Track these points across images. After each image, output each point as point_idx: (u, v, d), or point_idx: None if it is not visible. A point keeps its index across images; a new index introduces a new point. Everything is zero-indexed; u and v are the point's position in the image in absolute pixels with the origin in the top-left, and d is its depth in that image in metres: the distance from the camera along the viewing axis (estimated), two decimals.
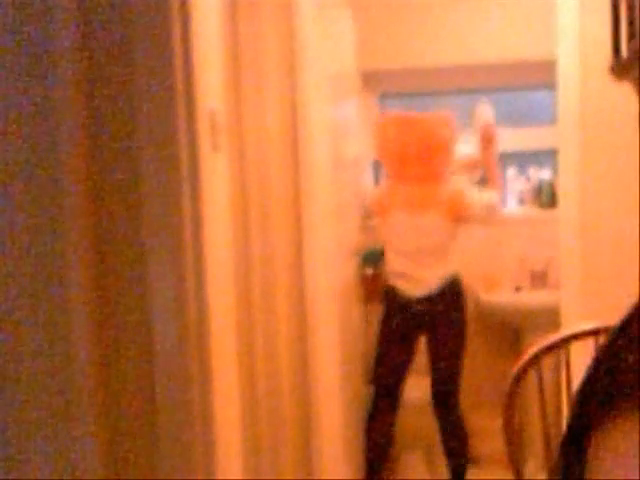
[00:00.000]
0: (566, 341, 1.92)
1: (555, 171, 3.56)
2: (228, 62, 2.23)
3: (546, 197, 4.04)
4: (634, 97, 2.82)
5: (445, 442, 3.47)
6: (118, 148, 1.70)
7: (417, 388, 3.56)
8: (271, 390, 2.51)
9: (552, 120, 3.33)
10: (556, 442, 1.96)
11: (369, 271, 3.78)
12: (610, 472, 0.44)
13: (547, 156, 4.01)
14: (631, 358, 0.44)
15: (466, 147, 3.72)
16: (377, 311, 3.55)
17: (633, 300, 0.46)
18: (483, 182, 3.72)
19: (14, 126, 1.66)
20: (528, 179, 4.13)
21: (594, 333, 1.91)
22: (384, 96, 4.42)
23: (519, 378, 1.86)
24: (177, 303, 1.70)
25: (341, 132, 3.17)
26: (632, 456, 0.42)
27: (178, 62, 1.70)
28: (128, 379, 1.70)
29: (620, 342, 0.46)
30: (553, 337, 1.94)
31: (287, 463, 2.59)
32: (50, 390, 1.66)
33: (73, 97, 1.65)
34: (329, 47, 2.82)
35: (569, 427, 0.49)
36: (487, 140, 3.59)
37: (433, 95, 4.40)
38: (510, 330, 3.97)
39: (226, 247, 1.99)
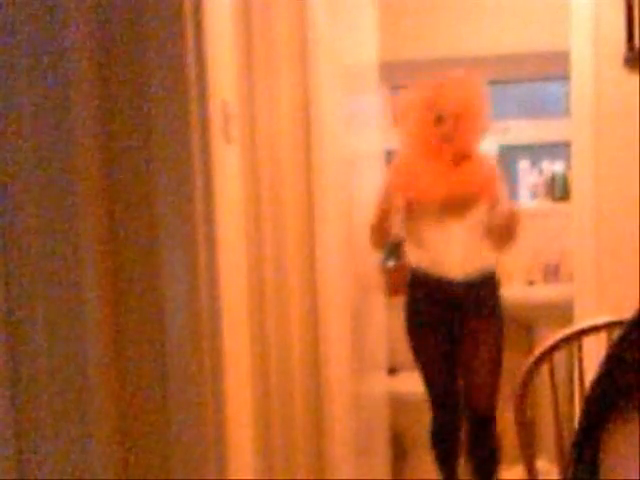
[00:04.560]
0: (579, 335, 1.91)
1: (568, 164, 3.54)
2: (240, 54, 2.22)
3: (559, 190, 4.02)
4: None
5: (475, 460, 3.20)
6: (131, 142, 1.70)
7: (419, 383, 3.53)
8: (283, 389, 2.51)
9: (566, 112, 3.31)
10: (568, 437, 1.96)
11: (391, 264, 3.76)
12: (625, 470, 0.44)
13: (560, 148, 3.98)
14: None
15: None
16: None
17: None
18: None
19: (28, 123, 1.66)
20: (541, 172, 4.11)
21: (607, 327, 1.89)
22: (395, 88, 4.40)
23: (531, 372, 1.85)
24: (190, 296, 1.70)
25: (357, 124, 3.14)
26: None
27: (191, 54, 1.70)
28: (140, 379, 1.70)
29: (634, 337, 0.45)
30: (566, 331, 1.92)
31: (299, 463, 2.59)
32: (63, 390, 1.66)
33: (87, 92, 1.65)
34: (349, 37, 2.80)
35: (581, 424, 0.48)
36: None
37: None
38: (523, 324, 3.95)
39: (238, 239, 1.98)
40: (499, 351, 3.09)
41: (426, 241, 3.05)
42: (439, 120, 3.03)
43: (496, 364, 3.09)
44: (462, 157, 3.05)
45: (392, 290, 3.50)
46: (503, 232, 3.01)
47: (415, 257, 3.11)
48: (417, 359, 3.15)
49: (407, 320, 3.16)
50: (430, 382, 3.15)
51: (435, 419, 3.18)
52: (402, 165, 3.16)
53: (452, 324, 3.08)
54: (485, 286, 3.08)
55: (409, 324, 3.15)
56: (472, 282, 3.03)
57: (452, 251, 3.01)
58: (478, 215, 3.02)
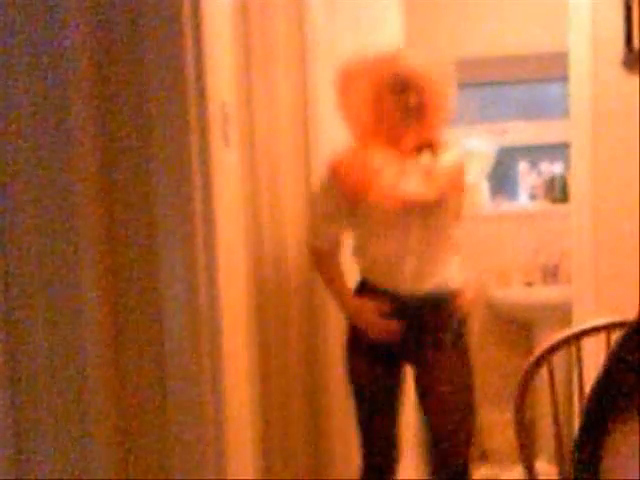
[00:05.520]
0: (578, 337, 1.91)
1: (567, 165, 3.54)
2: (239, 55, 2.22)
3: (558, 191, 4.02)
4: None
5: None
6: (131, 142, 1.70)
7: None
8: (283, 389, 2.50)
9: (565, 113, 3.31)
10: (567, 437, 1.96)
11: None
12: (625, 470, 0.44)
13: (559, 150, 3.98)
14: None
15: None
16: None
17: None
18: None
19: (28, 123, 1.66)
20: (540, 173, 4.11)
21: (606, 328, 1.89)
22: None
23: (530, 373, 1.85)
24: (189, 296, 1.70)
25: None
26: None
27: (189, 55, 1.70)
28: (140, 379, 1.70)
29: (635, 340, 0.45)
30: (565, 332, 1.92)
31: (298, 463, 2.59)
32: (63, 390, 1.66)
33: (87, 92, 1.66)
34: (349, 38, 2.79)
35: (583, 425, 0.48)
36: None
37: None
38: (521, 325, 3.95)
39: (238, 240, 1.98)
40: (467, 390, 2.39)
41: (374, 247, 2.36)
42: (399, 90, 2.30)
43: (465, 406, 2.38)
44: (426, 145, 2.37)
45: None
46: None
47: (361, 266, 2.42)
48: (353, 390, 2.42)
49: (348, 339, 2.43)
50: (365, 421, 2.43)
51: (365, 468, 2.45)
52: (345, 156, 2.37)
53: (402, 352, 2.39)
54: (444, 307, 2.37)
55: (349, 344, 2.42)
56: (427, 301, 2.35)
57: (405, 261, 2.32)
58: (442, 220, 2.37)
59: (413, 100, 2.30)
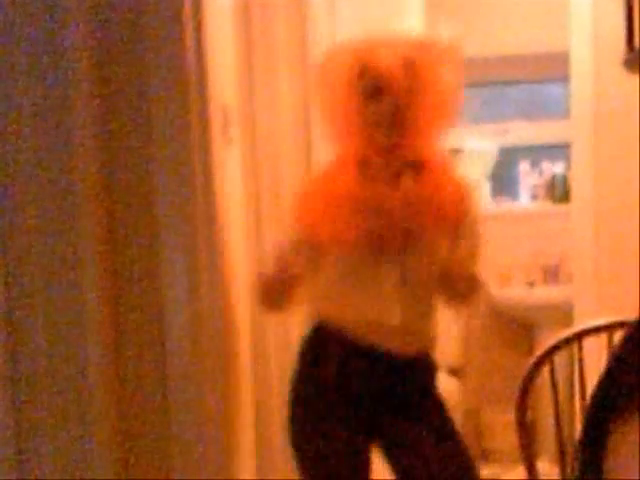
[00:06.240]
0: (579, 336, 1.91)
1: (568, 165, 3.54)
2: (240, 54, 2.22)
3: (559, 191, 4.02)
4: None
5: None
6: (131, 142, 1.70)
7: None
8: (283, 389, 2.50)
9: (566, 113, 3.31)
10: (569, 437, 1.96)
11: None
12: (627, 469, 0.44)
13: (560, 150, 3.98)
14: None
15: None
16: None
17: None
18: None
19: (28, 123, 1.66)
20: (541, 173, 4.10)
21: (607, 328, 1.89)
22: None
23: (532, 373, 1.86)
24: (190, 297, 1.70)
25: None
26: None
27: (191, 55, 1.70)
28: (140, 379, 1.70)
29: (636, 340, 0.45)
30: (566, 332, 1.92)
31: None
32: (63, 390, 1.66)
33: (87, 93, 1.66)
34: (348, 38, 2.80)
35: (585, 425, 0.48)
36: None
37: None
38: (523, 326, 3.95)
39: (238, 240, 1.98)
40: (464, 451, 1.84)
41: (341, 293, 1.83)
42: (369, 94, 1.77)
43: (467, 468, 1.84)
44: (411, 165, 1.82)
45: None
46: (461, 287, 1.88)
47: (324, 310, 1.85)
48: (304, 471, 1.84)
49: (295, 406, 1.88)
50: None
51: None
52: (311, 186, 1.95)
53: (372, 424, 1.84)
54: (426, 369, 1.90)
55: (296, 412, 1.87)
56: (410, 361, 1.84)
57: (385, 309, 1.80)
58: (421, 263, 1.82)
59: (386, 107, 1.76)
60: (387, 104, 1.76)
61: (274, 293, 1.86)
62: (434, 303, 1.88)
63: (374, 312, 1.80)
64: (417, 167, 1.82)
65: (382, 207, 1.76)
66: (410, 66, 1.78)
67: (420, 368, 1.87)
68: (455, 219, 1.82)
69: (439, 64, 1.87)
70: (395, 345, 1.80)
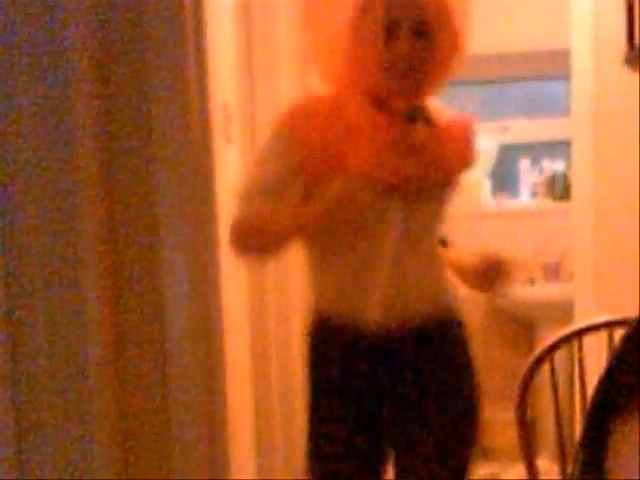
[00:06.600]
0: (579, 334, 1.91)
1: (569, 163, 3.54)
2: (241, 54, 2.22)
3: (560, 189, 4.02)
4: None
5: None
6: (131, 142, 1.70)
7: None
8: (283, 389, 2.50)
9: (566, 111, 3.31)
10: (569, 436, 1.96)
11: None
12: (627, 469, 0.44)
13: (561, 147, 3.98)
14: None
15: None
16: None
17: None
18: None
19: (28, 123, 1.66)
20: (541, 171, 4.10)
21: (607, 326, 1.90)
22: None
23: (532, 371, 1.86)
24: (190, 297, 1.70)
25: None
26: None
27: (191, 55, 1.70)
28: (141, 379, 1.70)
29: (636, 340, 0.45)
30: (566, 330, 1.93)
31: (299, 463, 2.59)
32: (63, 390, 1.66)
33: (87, 93, 1.66)
34: None
35: (586, 425, 0.48)
36: None
37: (447, 85, 4.37)
38: (523, 323, 3.95)
39: None
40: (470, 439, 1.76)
41: (336, 259, 1.60)
42: (391, 32, 1.51)
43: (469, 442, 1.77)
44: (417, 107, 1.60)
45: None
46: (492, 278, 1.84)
47: (317, 293, 1.66)
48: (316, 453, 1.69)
49: (313, 390, 1.66)
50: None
51: None
52: (310, 103, 1.64)
53: (382, 407, 1.66)
54: (444, 335, 1.71)
55: (315, 398, 1.66)
56: (419, 335, 1.64)
57: (380, 278, 1.58)
58: (431, 216, 1.65)
59: (406, 49, 1.52)
60: (406, 46, 1.52)
61: (245, 235, 1.58)
62: (440, 259, 1.69)
63: (374, 277, 1.57)
64: (421, 109, 1.61)
65: (415, 145, 1.53)
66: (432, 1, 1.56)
67: (427, 345, 1.64)
68: (469, 164, 1.69)
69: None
70: (410, 312, 1.60)
